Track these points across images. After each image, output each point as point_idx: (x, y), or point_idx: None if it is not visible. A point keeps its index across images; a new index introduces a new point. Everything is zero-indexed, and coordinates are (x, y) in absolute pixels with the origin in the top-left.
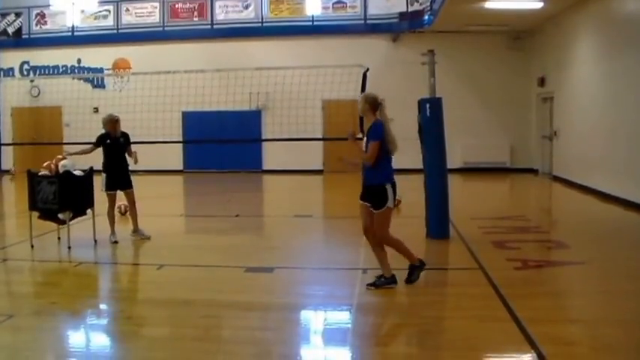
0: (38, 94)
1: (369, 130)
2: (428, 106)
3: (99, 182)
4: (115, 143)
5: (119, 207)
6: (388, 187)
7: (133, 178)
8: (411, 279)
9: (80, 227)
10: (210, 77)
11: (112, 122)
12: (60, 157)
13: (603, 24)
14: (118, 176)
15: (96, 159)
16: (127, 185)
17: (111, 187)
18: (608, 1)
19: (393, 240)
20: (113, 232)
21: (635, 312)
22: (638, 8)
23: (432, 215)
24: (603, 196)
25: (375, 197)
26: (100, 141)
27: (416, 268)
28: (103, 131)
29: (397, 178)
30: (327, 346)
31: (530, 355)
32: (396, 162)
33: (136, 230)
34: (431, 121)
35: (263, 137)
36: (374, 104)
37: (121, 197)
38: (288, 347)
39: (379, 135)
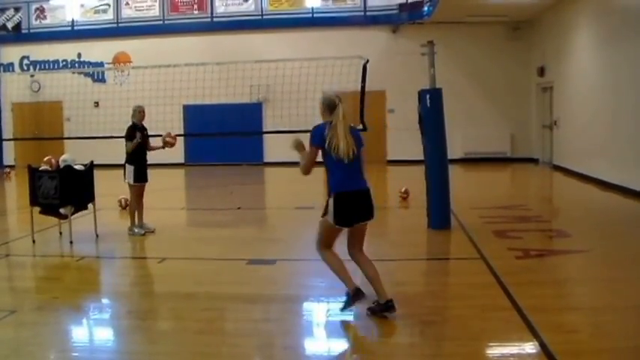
0: (38, 88)
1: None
2: (428, 96)
3: (100, 176)
4: (142, 135)
5: (120, 201)
6: (330, 199)
7: None
8: (344, 306)
9: (81, 222)
10: (210, 70)
11: (141, 112)
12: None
13: (602, 13)
14: (145, 168)
15: (97, 154)
16: (147, 177)
17: (139, 178)
18: None
19: (328, 257)
20: (142, 223)
21: (636, 299)
22: None
23: (433, 206)
24: (604, 185)
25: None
26: (132, 134)
27: (351, 297)
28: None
29: (398, 169)
30: (330, 337)
31: (532, 343)
32: (397, 153)
33: (140, 224)
34: (431, 111)
35: (264, 130)
36: (330, 105)
37: (123, 191)
38: (290, 339)
39: (315, 140)
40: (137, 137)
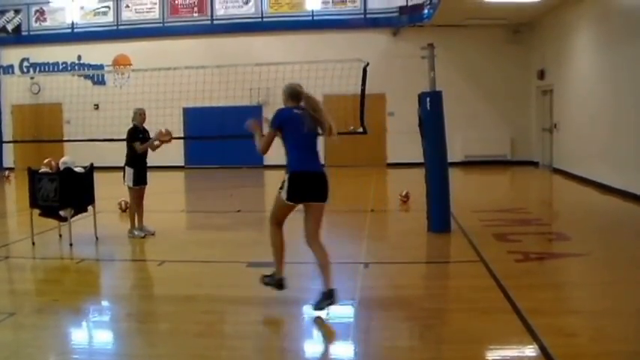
0: (38, 91)
1: None
2: (428, 99)
3: (100, 179)
4: (143, 137)
5: (120, 203)
6: (287, 176)
7: None
8: (265, 281)
9: (81, 224)
10: (210, 73)
11: (142, 115)
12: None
13: (602, 16)
14: (145, 171)
15: (96, 156)
16: (146, 180)
17: (139, 181)
18: None
19: (273, 233)
20: (141, 226)
21: (636, 303)
22: (636, 0)
23: (433, 209)
24: (604, 188)
25: None
26: (136, 136)
27: (271, 279)
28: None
29: (398, 172)
30: (329, 340)
31: (531, 346)
32: (397, 156)
33: (140, 226)
34: (431, 114)
35: (264, 133)
36: (292, 94)
37: (123, 194)
38: (290, 342)
39: (275, 123)
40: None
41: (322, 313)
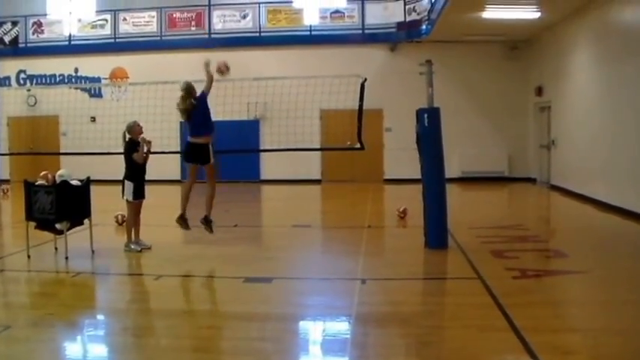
0: (35, 103)
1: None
2: (426, 115)
3: (97, 192)
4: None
5: (116, 217)
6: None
7: None
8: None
9: (77, 237)
10: None
11: (139, 128)
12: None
13: (600, 33)
14: (143, 184)
15: (93, 169)
16: (144, 194)
17: (138, 195)
18: (605, 10)
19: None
20: (138, 240)
21: (634, 321)
22: (635, 18)
23: (430, 225)
24: (602, 206)
25: None
26: (134, 147)
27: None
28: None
29: (395, 188)
30: (326, 356)
31: None
32: (395, 172)
33: (137, 240)
34: (429, 130)
35: (261, 147)
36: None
37: (120, 207)
38: (287, 358)
39: None
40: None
41: None
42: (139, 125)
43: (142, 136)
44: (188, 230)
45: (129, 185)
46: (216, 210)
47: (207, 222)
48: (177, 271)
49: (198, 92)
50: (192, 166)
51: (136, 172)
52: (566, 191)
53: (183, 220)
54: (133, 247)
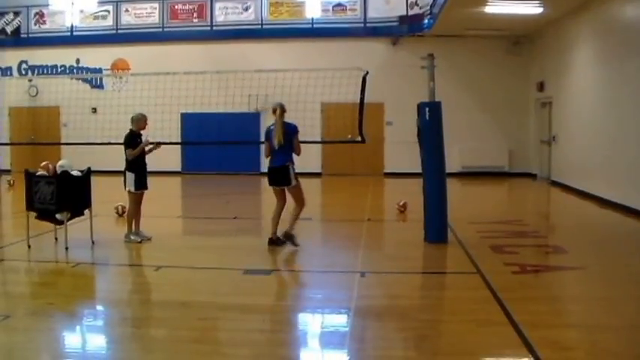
0: (36, 93)
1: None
2: (427, 109)
3: (97, 183)
4: (141, 142)
5: (116, 208)
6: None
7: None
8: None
9: (78, 228)
10: (209, 79)
11: (144, 120)
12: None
13: (603, 29)
14: (145, 175)
15: (94, 160)
16: (147, 185)
17: (140, 186)
18: (607, 6)
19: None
20: (138, 231)
21: (633, 317)
22: (638, 14)
23: (430, 219)
24: (602, 202)
25: None
26: (133, 141)
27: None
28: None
29: (395, 182)
30: (325, 349)
31: (527, 359)
32: (395, 165)
33: (137, 231)
34: (430, 124)
35: (262, 139)
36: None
37: (120, 198)
38: (285, 350)
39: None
40: (144, 143)
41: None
42: (145, 120)
43: (149, 139)
44: (281, 245)
45: (130, 176)
46: (216, 202)
47: (288, 238)
48: (177, 262)
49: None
50: (276, 189)
51: (136, 162)
52: (566, 187)
53: (274, 242)
54: (133, 237)
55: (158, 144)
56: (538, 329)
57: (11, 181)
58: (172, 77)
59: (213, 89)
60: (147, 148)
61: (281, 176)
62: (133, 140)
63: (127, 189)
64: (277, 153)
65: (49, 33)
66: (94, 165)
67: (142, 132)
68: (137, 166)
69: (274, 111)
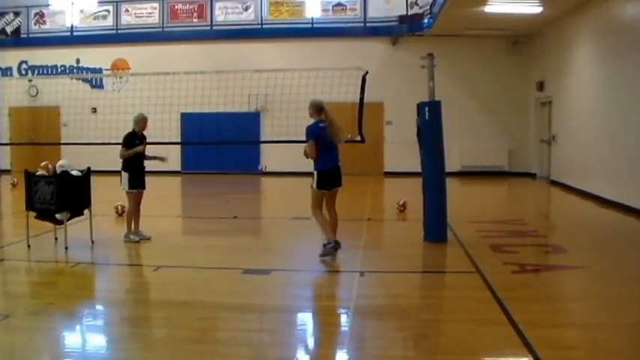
0: (36, 93)
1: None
2: (427, 109)
3: (97, 182)
4: (141, 143)
5: (116, 207)
6: (315, 173)
7: None
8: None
9: (77, 228)
10: (209, 79)
11: (144, 121)
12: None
13: (602, 29)
14: (142, 175)
15: (93, 160)
16: (144, 185)
17: (134, 185)
18: (607, 6)
19: (317, 215)
20: (137, 230)
21: (633, 317)
22: (637, 13)
23: (430, 218)
24: (602, 201)
25: None
26: (130, 141)
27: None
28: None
29: (395, 181)
30: (324, 348)
31: (527, 359)
32: (395, 165)
33: (136, 231)
34: (430, 124)
35: (262, 139)
36: (317, 107)
37: (120, 198)
38: (284, 350)
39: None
40: (138, 148)
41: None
42: (145, 121)
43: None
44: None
45: (124, 175)
46: (216, 201)
47: (338, 246)
48: (177, 262)
49: None
50: (330, 192)
51: (131, 162)
52: (566, 186)
53: (339, 245)
54: (132, 237)
55: (162, 159)
56: (538, 328)
57: (14, 182)
58: (172, 77)
59: (213, 89)
60: (147, 154)
61: (340, 177)
62: (129, 140)
63: (122, 188)
64: (332, 153)
65: (49, 33)
66: (93, 165)
67: (144, 133)
68: (132, 166)
69: (319, 110)
